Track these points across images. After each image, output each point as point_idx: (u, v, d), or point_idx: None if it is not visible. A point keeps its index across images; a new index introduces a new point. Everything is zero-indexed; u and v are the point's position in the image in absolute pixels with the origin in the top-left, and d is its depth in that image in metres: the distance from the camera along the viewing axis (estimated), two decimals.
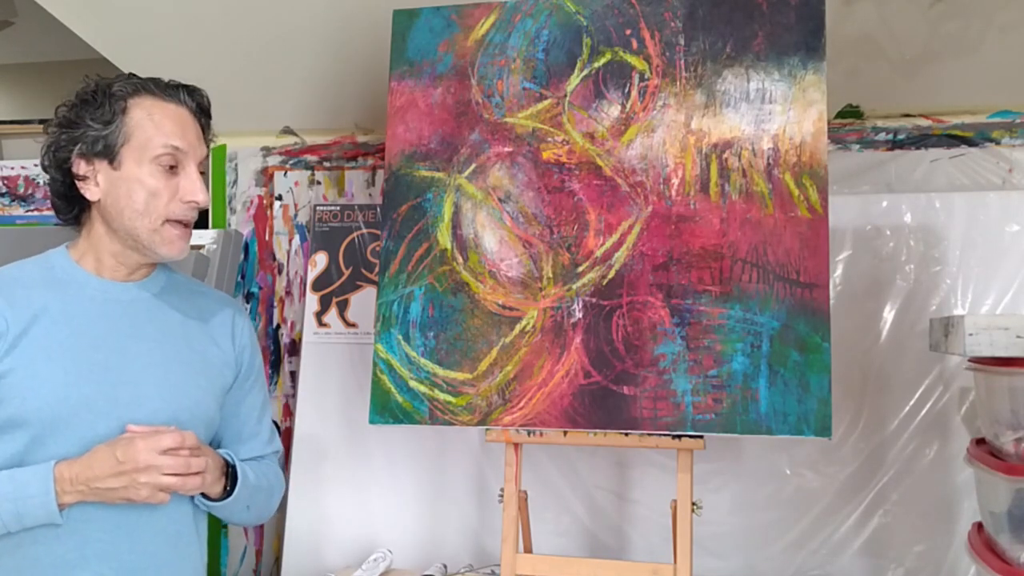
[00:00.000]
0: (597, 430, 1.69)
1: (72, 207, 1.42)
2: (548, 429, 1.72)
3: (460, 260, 1.81)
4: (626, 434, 1.68)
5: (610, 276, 1.72)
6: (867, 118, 2.27)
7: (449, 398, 1.76)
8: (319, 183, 2.57)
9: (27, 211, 2.76)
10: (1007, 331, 1.39)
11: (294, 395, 2.46)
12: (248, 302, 2.57)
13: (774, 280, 1.64)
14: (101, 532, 1.34)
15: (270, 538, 2.47)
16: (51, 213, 1.46)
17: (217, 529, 2.47)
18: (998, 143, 2.19)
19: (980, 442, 1.67)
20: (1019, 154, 2.17)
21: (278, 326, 2.55)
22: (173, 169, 1.39)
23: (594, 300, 1.72)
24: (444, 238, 1.83)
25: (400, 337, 1.81)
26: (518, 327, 1.75)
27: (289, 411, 2.49)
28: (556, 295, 1.75)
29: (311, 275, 2.46)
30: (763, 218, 1.67)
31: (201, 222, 2.57)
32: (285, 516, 2.31)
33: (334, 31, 2.21)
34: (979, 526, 1.65)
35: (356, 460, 2.32)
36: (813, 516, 2.09)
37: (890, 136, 2.25)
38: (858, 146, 2.26)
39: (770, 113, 1.70)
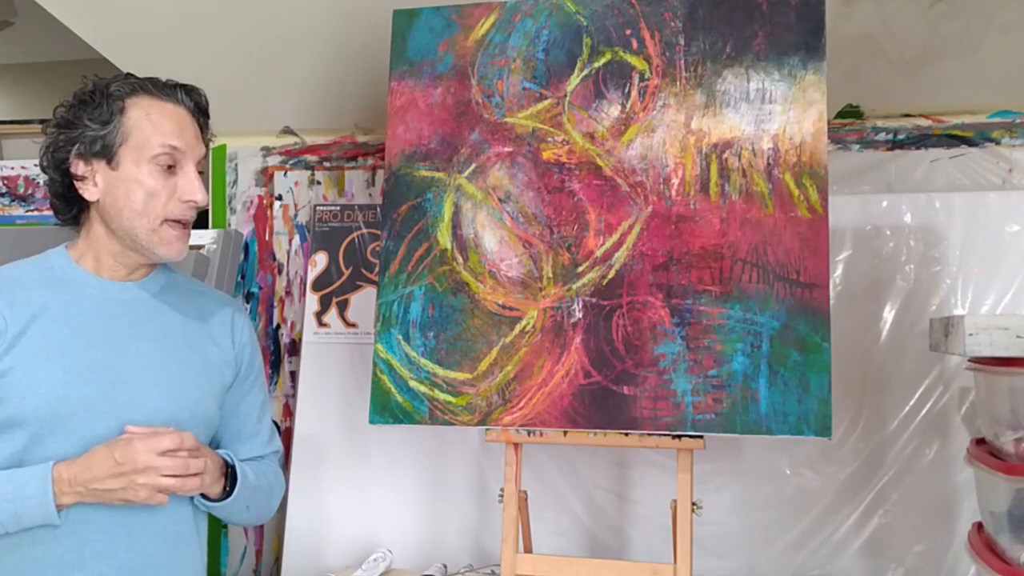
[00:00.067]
0: (597, 430, 1.69)
1: (71, 207, 1.42)
2: (548, 429, 1.72)
3: (460, 260, 1.81)
4: (626, 434, 1.68)
5: (610, 276, 1.72)
6: (867, 118, 2.27)
7: (449, 398, 1.76)
8: (319, 183, 2.57)
9: (27, 211, 2.77)
10: (1007, 331, 1.39)
11: (294, 395, 2.46)
12: (248, 302, 2.57)
13: (774, 280, 1.64)
14: (100, 533, 1.33)
15: (270, 538, 2.47)
16: (51, 213, 1.46)
17: (217, 529, 2.47)
18: (998, 143, 2.19)
19: (980, 442, 1.67)
20: (1019, 154, 2.17)
21: (278, 326, 2.55)
22: (171, 169, 1.38)
23: (594, 300, 1.72)
24: (444, 238, 1.83)
25: (400, 337, 1.81)
26: (518, 327, 1.75)
27: (289, 411, 2.49)
28: (556, 295, 1.75)
29: (311, 275, 2.46)
30: (763, 218, 1.67)
31: (201, 222, 2.58)
32: (285, 516, 2.31)
33: (334, 31, 2.21)
34: (979, 526, 1.65)
35: (356, 460, 2.32)
36: (813, 516, 2.09)
37: (890, 136, 2.25)
38: (858, 146, 2.26)
39: (770, 113, 1.70)
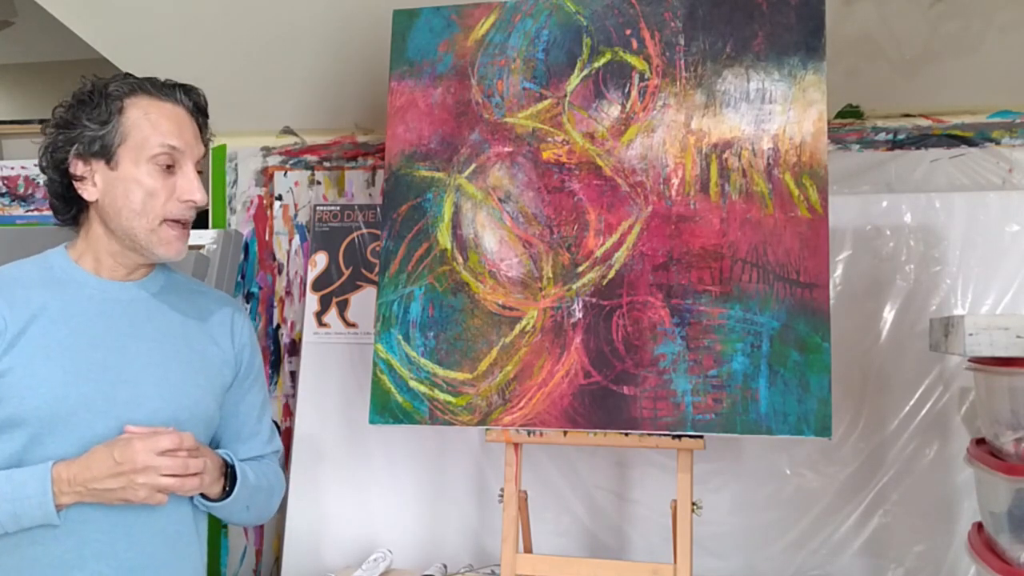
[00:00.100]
0: (597, 430, 1.69)
1: (70, 208, 1.42)
2: (548, 429, 1.72)
3: (460, 260, 1.81)
4: (626, 434, 1.68)
5: (610, 276, 1.72)
6: (867, 118, 2.27)
7: (449, 398, 1.76)
8: (319, 183, 2.57)
9: (27, 211, 2.76)
10: (1007, 331, 1.39)
11: (294, 395, 2.46)
12: (248, 302, 2.57)
13: (774, 280, 1.64)
14: (99, 533, 1.34)
15: (270, 538, 2.47)
16: (51, 213, 1.46)
17: (217, 529, 2.47)
18: (998, 143, 2.19)
19: (980, 442, 1.67)
20: (1019, 154, 2.17)
21: (278, 326, 2.55)
22: (170, 169, 1.38)
23: (594, 300, 1.72)
24: (444, 238, 1.83)
25: (400, 337, 1.81)
26: (518, 327, 1.75)
27: (289, 411, 2.49)
28: (556, 295, 1.75)
29: (311, 275, 2.46)
30: (763, 218, 1.67)
31: (201, 222, 2.58)
32: (285, 516, 2.31)
33: (334, 31, 2.21)
34: (979, 526, 1.65)
35: (356, 460, 2.32)
36: (813, 516, 2.09)
37: (890, 136, 2.25)
38: (858, 146, 2.26)
39: (770, 113, 1.70)
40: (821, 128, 1.67)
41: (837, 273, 2.14)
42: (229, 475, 1.44)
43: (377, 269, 2.05)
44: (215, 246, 2.41)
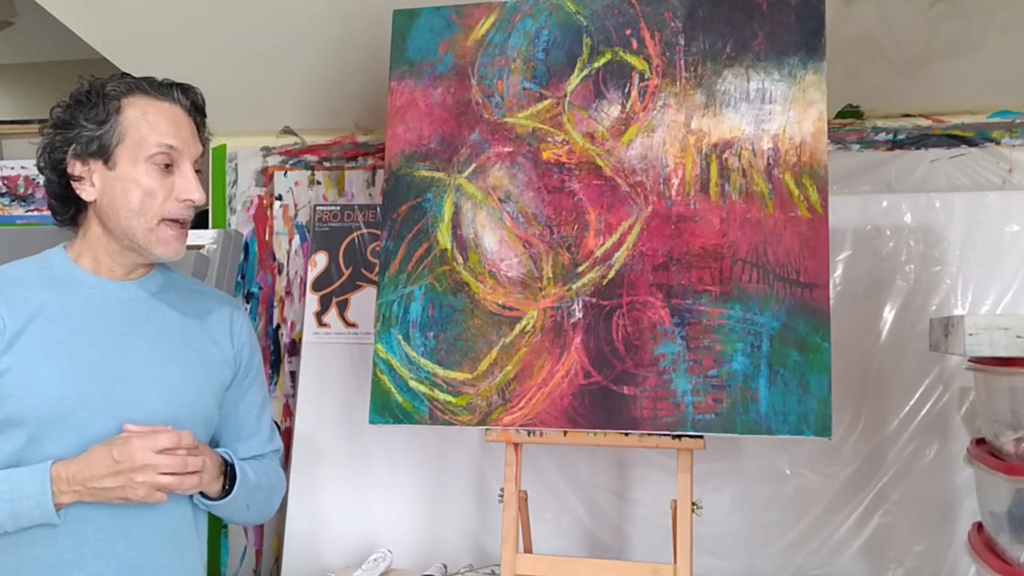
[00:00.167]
0: (597, 430, 1.69)
1: (68, 208, 1.42)
2: (548, 429, 1.72)
3: (460, 260, 1.81)
4: (626, 434, 1.68)
5: (610, 276, 1.72)
6: (867, 118, 2.27)
7: (449, 398, 1.76)
8: (319, 183, 2.57)
9: (27, 211, 2.76)
10: (1007, 331, 1.39)
11: (294, 395, 2.46)
12: (248, 302, 2.57)
13: (774, 280, 1.64)
14: (99, 532, 1.34)
15: (270, 538, 2.47)
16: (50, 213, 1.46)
17: (217, 529, 2.47)
18: (998, 143, 2.19)
19: (980, 442, 1.67)
20: (1019, 154, 2.17)
21: (278, 326, 2.55)
22: (168, 168, 1.38)
23: (594, 300, 1.72)
24: (444, 238, 1.83)
25: (400, 337, 1.81)
26: (518, 327, 1.75)
27: (289, 411, 2.49)
28: (556, 295, 1.75)
29: (311, 275, 2.46)
30: (763, 218, 1.67)
31: (201, 222, 2.59)
32: (285, 516, 2.31)
33: (334, 31, 2.21)
34: (979, 526, 1.65)
35: (356, 460, 2.32)
36: (813, 516, 2.09)
37: (890, 136, 2.25)
38: (858, 146, 2.26)
39: (770, 113, 1.70)
40: (821, 128, 1.67)
41: (837, 273, 2.14)
42: (229, 474, 1.44)
43: (377, 269, 2.05)
44: (215, 246, 2.41)
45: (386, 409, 1.79)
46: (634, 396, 1.66)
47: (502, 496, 1.77)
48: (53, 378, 1.32)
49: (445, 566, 2.15)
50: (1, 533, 1.30)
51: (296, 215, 2.57)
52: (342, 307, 2.42)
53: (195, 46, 2.27)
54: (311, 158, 2.59)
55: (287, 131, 2.59)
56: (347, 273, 2.43)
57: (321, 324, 2.42)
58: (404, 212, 1.86)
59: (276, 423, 2.46)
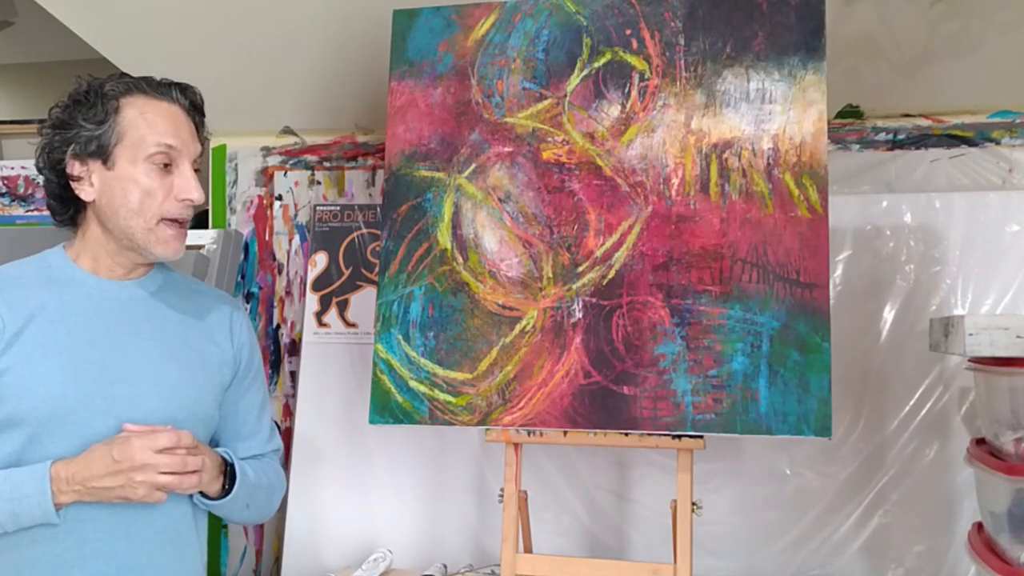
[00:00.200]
0: (597, 430, 1.69)
1: (68, 208, 1.42)
2: (548, 429, 1.72)
3: (460, 260, 1.81)
4: (626, 434, 1.68)
5: (610, 276, 1.72)
6: (867, 118, 2.27)
7: (449, 398, 1.76)
8: (319, 183, 2.57)
9: (27, 211, 2.76)
10: (1007, 331, 1.39)
11: (294, 395, 2.46)
12: (248, 302, 2.57)
13: (774, 280, 1.64)
14: (99, 531, 1.34)
15: (270, 538, 2.47)
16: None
17: (217, 529, 2.47)
18: (998, 143, 2.19)
19: (980, 442, 1.67)
20: (1019, 154, 2.17)
21: (278, 326, 2.55)
22: (167, 167, 1.38)
23: (594, 300, 1.72)
24: (444, 238, 1.83)
25: (400, 337, 1.81)
26: (518, 327, 1.75)
27: (289, 411, 2.49)
28: (556, 295, 1.75)
29: (311, 275, 2.46)
30: (763, 218, 1.67)
31: (201, 222, 2.59)
32: (285, 516, 2.31)
33: (334, 31, 2.21)
34: (979, 526, 1.65)
35: (356, 460, 2.32)
36: (813, 516, 2.09)
37: (890, 136, 2.25)
38: (858, 146, 2.26)
39: (770, 113, 1.70)
40: (821, 128, 1.67)
41: (837, 273, 2.14)
42: (228, 473, 1.44)
43: (377, 269, 2.05)
44: (215, 246, 2.41)
45: (386, 409, 1.79)
46: (634, 396, 1.66)
47: (502, 496, 1.77)
48: (53, 378, 1.32)
49: (445, 566, 2.15)
50: (1, 533, 1.30)
51: (296, 215, 2.57)
52: (342, 307, 2.42)
53: (195, 46, 2.27)
54: (311, 158, 2.59)
55: (287, 131, 2.59)
56: (347, 273, 2.43)
57: (321, 324, 2.42)
58: (404, 212, 1.86)
59: (276, 423, 2.46)
